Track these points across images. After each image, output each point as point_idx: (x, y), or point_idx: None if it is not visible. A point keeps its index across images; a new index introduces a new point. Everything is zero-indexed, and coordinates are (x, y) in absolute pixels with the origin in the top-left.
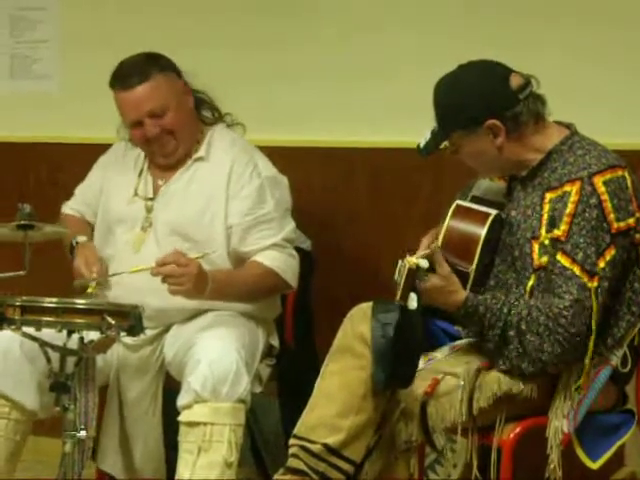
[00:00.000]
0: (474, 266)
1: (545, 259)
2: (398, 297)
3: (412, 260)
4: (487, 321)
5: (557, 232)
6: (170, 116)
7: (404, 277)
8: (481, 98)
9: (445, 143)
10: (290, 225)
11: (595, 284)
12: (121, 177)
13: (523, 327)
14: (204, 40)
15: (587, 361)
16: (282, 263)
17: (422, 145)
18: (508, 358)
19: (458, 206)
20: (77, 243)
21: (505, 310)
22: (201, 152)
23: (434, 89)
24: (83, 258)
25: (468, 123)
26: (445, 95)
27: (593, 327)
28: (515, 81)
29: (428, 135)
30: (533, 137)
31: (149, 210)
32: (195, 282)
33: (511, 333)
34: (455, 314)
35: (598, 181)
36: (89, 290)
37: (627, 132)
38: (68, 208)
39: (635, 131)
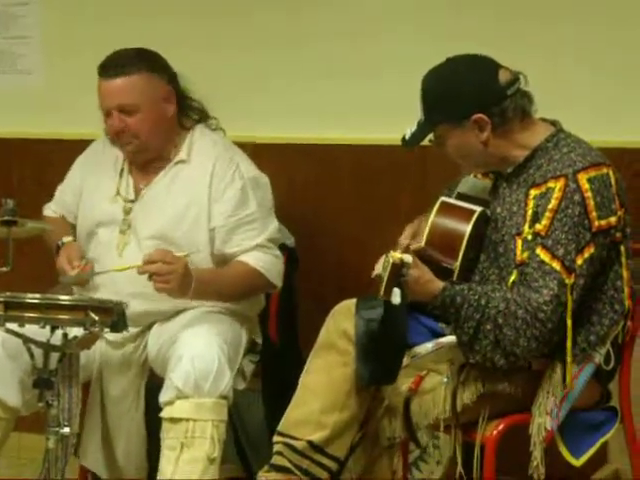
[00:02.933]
0: (458, 262)
1: (527, 254)
2: (382, 292)
3: (396, 255)
4: (464, 312)
5: (538, 226)
6: (138, 118)
7: (388, 272)
8: (469, 91)
9: (430, 136)
10: (273, 225)
11: (572, 280)
12: (100, 177)
13: (500, 320)
14: (187, 39)
15: (569, 359)
16: (267, 263)
17: (407, 137)
18: (480, 351)
19: (443, 203)
20: (63, 244)
21: (483, 302)
22: (182, 155)
23: (422, 80)
24: (65, 256)
25: (455, 116)
26: (433, 86)
27: (568, 324)
28: (504, 76)
29: (414, 127)
30: (519, 133)
31: (127, 212)
32: (180, 280)
33: (488, 326)
34: (431, 304)
35: (582, 178)
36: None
37: (611, 130)
38: (49, 210)
39: (619, 129)
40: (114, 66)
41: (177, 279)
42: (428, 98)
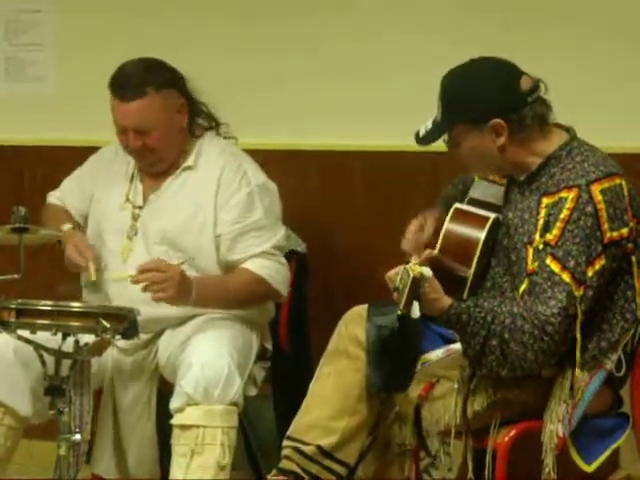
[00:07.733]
0: (472, 270)
1: (537, 264)
2: (402, 306)
3: (417, 269)
4: (470, 329)
5: (549, 236)
6: (155, 136)
7: (408, 286)
8: (490, 95)
9: (444, 136)
10: (280, 232)
11: (581, 292)
12: (112, 185)
13: (506, 336)
14: (199, 43)
15: (578, 371)
16: (271, 270)
17: (422, 134)
18: (487, 365)
19: (456, 210)
20: (64, 232)
21: (489, 319)
22: (190, 161)
23: (442, 79)
24: (73, 246)
25: (473, 118)
26: (454, 86)
27: (578, 336)
28: (525, 83)
29: (429, 125)
30: (535, 141)
31: (135, 218)
32: (178, 288)
33: (494, 342)
34: (437, 320)
35: (595, 189)
36: (92, 279)
37: (623, 136)
38: (54, 198)
39: (631, 134)
40: (128, 88)
41: (174, 287)
42: (447, 97)
